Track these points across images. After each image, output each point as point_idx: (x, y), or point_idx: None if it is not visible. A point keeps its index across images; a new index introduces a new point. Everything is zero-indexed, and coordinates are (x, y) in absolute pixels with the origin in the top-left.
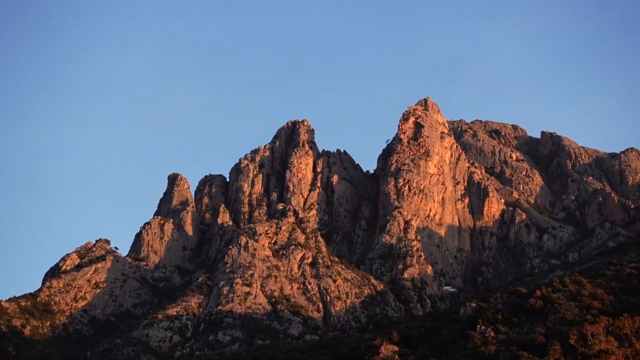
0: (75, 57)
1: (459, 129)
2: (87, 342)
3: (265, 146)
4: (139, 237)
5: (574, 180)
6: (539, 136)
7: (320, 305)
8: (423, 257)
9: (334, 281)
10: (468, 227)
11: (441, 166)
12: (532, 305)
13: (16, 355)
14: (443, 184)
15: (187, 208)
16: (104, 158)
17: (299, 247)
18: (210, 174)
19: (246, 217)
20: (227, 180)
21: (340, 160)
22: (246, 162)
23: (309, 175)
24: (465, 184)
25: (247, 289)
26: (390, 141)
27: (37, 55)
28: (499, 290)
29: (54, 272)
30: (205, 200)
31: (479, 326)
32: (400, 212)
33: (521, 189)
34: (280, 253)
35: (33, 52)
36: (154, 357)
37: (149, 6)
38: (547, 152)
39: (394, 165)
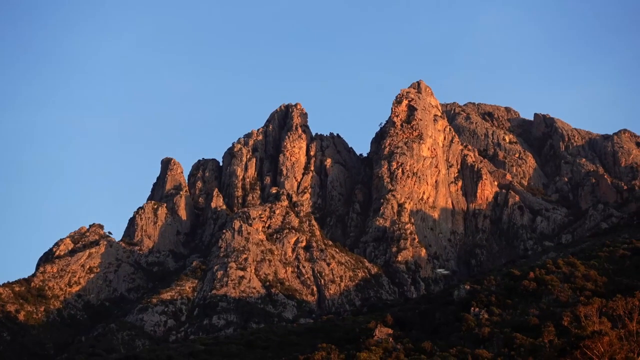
0: (66, 40)
1: (452, 111)
2: (81, 327)
3: (258, 130)
4: (132, 221)
5: (567, 162)
6: (532, 118)
7: (315, 289)
8: (417, 240)
9: (328, 264)
10: (461, 209)
11: (434, 149)
12: (526, 287)
13: (11, 340)
14: (436, 166)
15: (181, 192)
16: (97, 143)
17: (293, 231)
18: (203, 158)
19: (240, 201)
20: (221, 164)
21: (333, 144)
22: (239, 146)
23: (303, 159)
24: (459, 166)
25: (241, 273)
26: (383, 124)
27: (26, 39)
28: (492, 272)
29: (48, 258)
30: (199, 184)
31: (472, 308)
32: (393, 195)
33: (514, 171)
34: (274, 237)
35: (20, 36)
36: (149, 342)
37: None
38: (540, 134)
39: (387, 149)
